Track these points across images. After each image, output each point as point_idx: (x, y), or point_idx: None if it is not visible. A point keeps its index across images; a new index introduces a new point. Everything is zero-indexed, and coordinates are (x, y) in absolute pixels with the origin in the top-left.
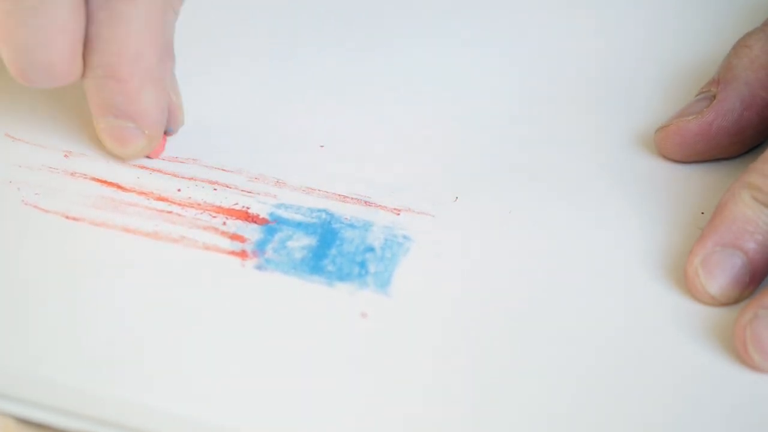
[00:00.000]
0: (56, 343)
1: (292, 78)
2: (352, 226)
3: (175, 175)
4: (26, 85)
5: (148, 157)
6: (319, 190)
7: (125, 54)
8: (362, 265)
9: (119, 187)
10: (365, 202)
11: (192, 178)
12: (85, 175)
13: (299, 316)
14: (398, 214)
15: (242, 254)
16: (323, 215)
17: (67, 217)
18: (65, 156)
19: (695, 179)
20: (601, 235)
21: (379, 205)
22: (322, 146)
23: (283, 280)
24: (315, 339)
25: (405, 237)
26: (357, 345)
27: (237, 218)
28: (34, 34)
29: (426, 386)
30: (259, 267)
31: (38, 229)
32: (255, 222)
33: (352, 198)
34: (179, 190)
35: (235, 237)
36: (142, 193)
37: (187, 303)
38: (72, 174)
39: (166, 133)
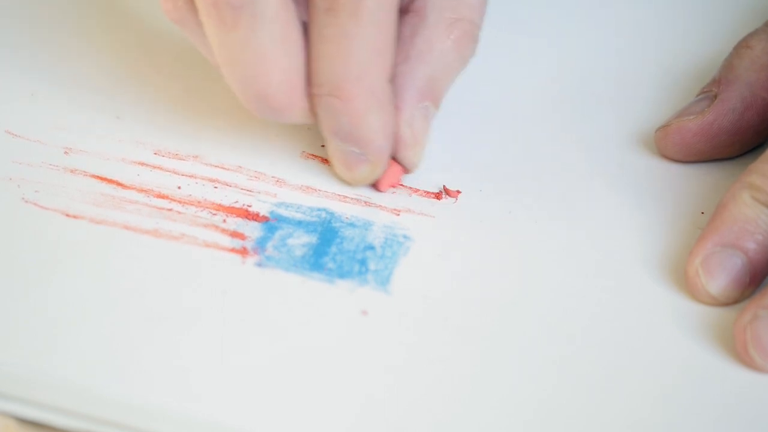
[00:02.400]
0: (56, 342)
1: None
2: (352, 225)
3: (175, 173)
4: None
5: (376, 188)
6: (319, 190)
7: (348, 72)
8: (362, 262)
9: (119, 184)
10: (365, 202)
11: (192, 176)
12: (85, 172)
13: (300, 313)
14: (398, 215)
15: (243, 251)
16: (323, 214)
17: (67, 215)
18: (65, 153)
19: (695, 179)
20: (601, 235)
21: (379, 205)
22: (322, 146)
23: (283, 277)
24: (315, 336)
25: (405, 237)
26: (357, 342)
27: (237, 216)
28: (245, 69)
29: (426, 384)
30: (259, 264)
31: (38, 227)
32: (255, 220)
33: (352, 198)
34: (179, 187)
35: (235, 234)
36: (142, 190)
37: (187, 300)
38: (72, 171)
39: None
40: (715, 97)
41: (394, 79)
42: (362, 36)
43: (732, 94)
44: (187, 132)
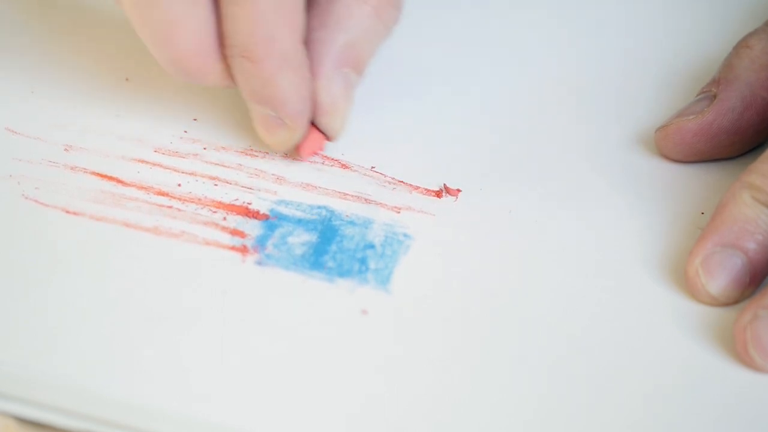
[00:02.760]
0: (56, 341)
1: None
2: (352, 223)
3: (175, 170)
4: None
5: (299, 155)
6: (319, 187)
7: (256, 34)
8: (363, 261)
9: (119, 181)
10: (365, 199)
11: (192, 173)
12: (85, 169)
13: (299, 312)
14: (398, 213)
15: (243, 250)
16: (323, 212)
17: (67, 212)
18: (65, 150)
19: (695, 179)
20: (601, 235)
21: (380, 203)
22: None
23: (283, 275)
24: (315, 335)
25: (405, 235)
26: (357, 341)
27: (237, 214)
28: (155, 32)
29: (426, 383)
30: (259, 262)
31: (38, 224)
32: (255, 218)
33: (352, 195)
34: (180, 185)
35: (235, 232)
36: (142, 187)
37: (187, 299)
38: (72, 168)
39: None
40: (715, 96)
41: (311, 46)
42: None
43: (732, 93)
44: (188, 129)
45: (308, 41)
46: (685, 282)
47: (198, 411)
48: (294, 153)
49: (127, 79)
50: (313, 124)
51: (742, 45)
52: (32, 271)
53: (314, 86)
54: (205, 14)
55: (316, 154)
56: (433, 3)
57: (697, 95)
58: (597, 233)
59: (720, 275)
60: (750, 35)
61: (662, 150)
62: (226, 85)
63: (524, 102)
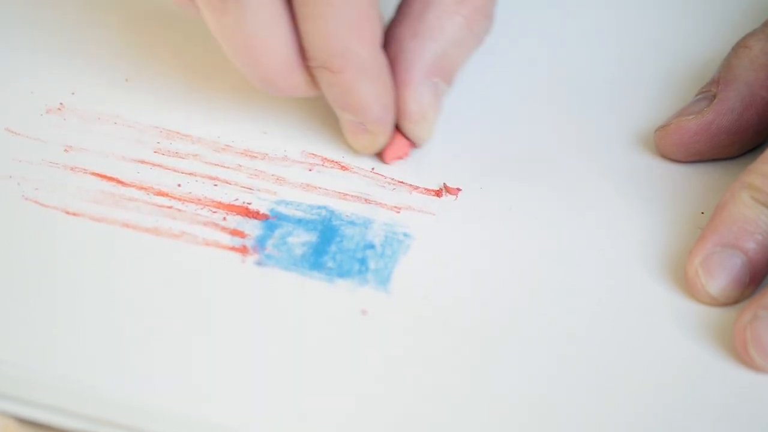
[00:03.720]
0: (56, 342)
1: None
2: (352, 223)
3: (175, 171)
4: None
5: (383, 159)
6: (318, 188)
7: (332, 47)
8: (362, 261)
9: (119, 182)
10: (365, 199)
11: (192, 174)
12: (85, 169)
13: (299, 312)
14: (398, 212)
15: (242, 250)
16: (323, 212)
17: (66, 212)
18: (65, 150)
19: (695, 179)
20: (600, 235)
21: (379, 203)
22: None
23: (283, 276)
24: (315, 335)
25: (405, 235)
26: (357, 342)
27: (237, 214)
28: (243, 55)
29: (426, 383)
30: (259, 263)
31: (38, 225)
32: (255, 218)
33: (352, 196)
34: (179, 185)
35: (235, 233)
36: (142, 188)
37: (187, 299)
38: (72, 169)
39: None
40: (714, 97)
41: (402, 56)
42: (333, 13)
43: (731, 93)
44: (189, 130)
45: (399, 51)
46: (684, 282)
47: (198, 411)
48: (379, 156)
49: (126, 80)
50: (400, 129)
51: (741, 45)
52: (32, 272)
53: (403, 95)
54: (285, 33)
55: (401, 158)
56: None
57: (697, 95)
58: (597, 233)
59: (720, 275)
60: (749, 35)
61: (662, 150)
62: (314, 94)
63: (524, 101)
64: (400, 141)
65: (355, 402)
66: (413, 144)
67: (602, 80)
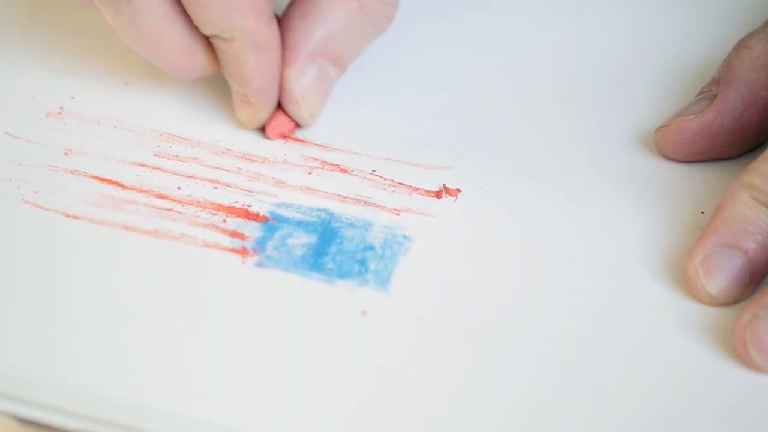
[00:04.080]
0: (56, 343)
1: None
2: (352, 225)
3: (175, 173)
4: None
5: (265, 135)
6: (318, 191)
7: (218, 26)
8: (362, 263)
9: (119, 184)
10: (365, 202)
11: (192, 177)
12: (84, 172)
13: (299, 313)
14: (398, 215)
15: (242, 251)
16: (323, 214)
17: (66, 215)
18: (65, 154)
19: (695, 179)
20: (600, 235)
21: (379, 205)
22: (323, 145)
23: (283, 277)
24: (315, 336)
25: (405, 237)
26: (357, 343)
27: (237, 216)
28: (142, 47)
29: (425, 384)
30: (259, 264)
31: (38, 228)
32: (255, 220)
33: (351, 198)
34: (179, 188)
35: (235, 234)
36: (142, 190)
37: (187, 301)
38: (72, 172)
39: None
40: (715, 96)
41: (288, 35)
42: None
43: (732, 93)
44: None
45: (287, 30)
46: (684, 282)
47: (198, 412)
48: (263, 132)
49: (126, 83)
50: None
51: (741, 45)
52: (32, 275)
53: (284, 73)
54: (178, 21)
55: (285, 137)
56: (433, 4)
57: (697, 95)
58: (597, 233)
59: (720, 275)
60: (750, 35)
61: (662, 150)
62: (218, 71)
63: (524, 102)
64: (284, 118)
65: (355, 402)
66: (298, 124)
67: (602, 80)
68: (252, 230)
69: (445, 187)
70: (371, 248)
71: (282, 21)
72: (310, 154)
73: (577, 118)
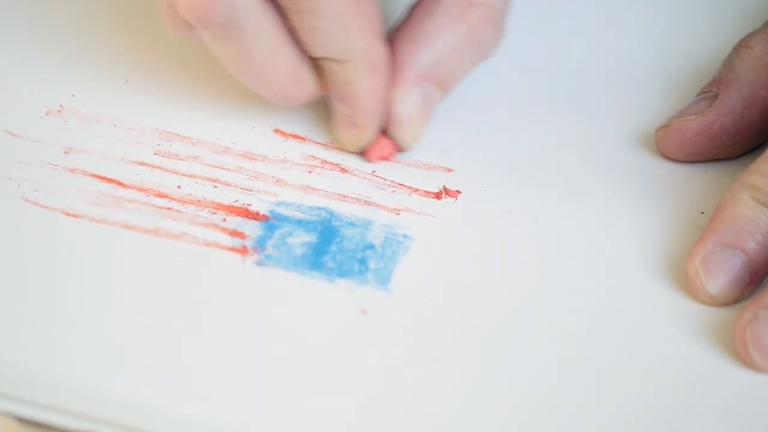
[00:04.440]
0: (56, 342)
1: None
2: (352, 224)
3: (175, 172)
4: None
5: (367, 158)
6: (318, 190)
7: (330, 48)
8: (362, 262)
9: (119, 183)
10: (365, 201)
11: (192, 176)
12: (85, 171)
13: (299, 312)
14: (398, 214)
15: (242, 250)
16: (323, 213)
17: (67, 214)
18: (65, 152)
19: (695, 179)
20: (601, 235)
21: (379, 205)
22: (323, 144)
23: (283, 276)
24: (315, 335)
25: (405, 236)
26: (357, 342)
27: (237, 215)
28: (249, 75)
29: (425, 383)
30: (259, 263)
31: (38, 226)
32: (255, 219)
33: (351, 197)
34: (179, 186)
35: (235, 233)
36: (142, 189)
37: (187, 300)
38: (72, 170)
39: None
40: (716, 97)
41: (396, 58)
42: (326, 12)
43: (732, 94)
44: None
45: (395, 52)
46: (685, 282)
47: (198, 412)
48: (365, 155)
49: (126, 82)
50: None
51: (742, 45)
52: (32, 273)
53: (391, 96)
54: (288, 48)
55: (387, 159)
56: None
57: (698, 95)
58: (597, 233)
59: (720, 275)
60: (750, 36)
61: (662, 150)
62: (325, 94)
63: (524, 102)
64: (385, 141)
65: (355, 402)
66: (399, 148)
67: (602, 80)
68: (252, 229)
69: (445, 189)
70: (371, 247)
71: (391, 41)
72: (311, 152)
73: (577, 118)
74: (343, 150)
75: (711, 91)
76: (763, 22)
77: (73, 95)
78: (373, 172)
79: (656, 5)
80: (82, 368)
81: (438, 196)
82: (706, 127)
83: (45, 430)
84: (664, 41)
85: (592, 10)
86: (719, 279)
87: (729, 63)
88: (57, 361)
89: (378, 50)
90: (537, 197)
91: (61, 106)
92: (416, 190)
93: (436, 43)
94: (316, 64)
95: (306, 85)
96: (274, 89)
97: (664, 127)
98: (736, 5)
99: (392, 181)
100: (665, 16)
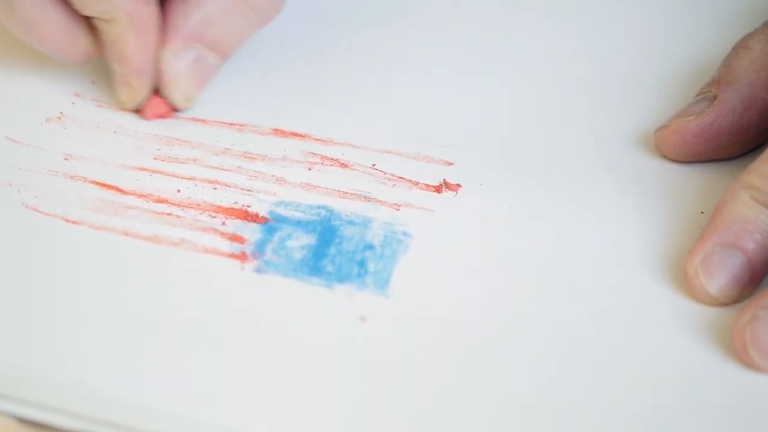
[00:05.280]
0: (56, 345)
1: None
2: (351, 222)
3: (174, 176)
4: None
5: (142, 115)
6: (318, 186)
7: (98, 1)
8: (361, 264)
9: (119, 189)
10: (365, 197)
11: (192, 178)
12: (84, 177)
13: (298, 320)
14: (398, 209)
15: (242, 257)
16: (323, 212)
17: (67, 221)
18: (65, 159)
19: (695, 179)
20: (601, 235)
21: (379, 200)
22: (323, 140)
23: (282, 283)
24: (314, 343)
25: (405, 233)
26: (356, 347)
27: (236, 218)
28: (27, 36)
29: (425, 389)
30: (258, 270)
31: (38, 232)
32: (254, 221)
33: (351, 193)
34: (179, 190)
35: (234, 238)
36: (141, 195)
37: (187, 307)
38: (72, 177)
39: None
40: (715, 97)
41: (167, 18)
42: None
43: (731, 94)
44: (187, 135)
45: (166, 13)
46: (685, 282)
47: (198, 416)
48: (141, 113)
49: None
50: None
51: (741, 46)
52: (32, 279)
53: (159, 56)
54: (55, 6)
55: (163, 118)
56: (434, 3)
57: (697, 96)
58: (597, 233)
59: (719, 275)
60: (749, 36)
61: (662, 150)
62: (102, 54)
63: (524, 101)
64: (159, 100)
65: (355, 408)
66: (174, 107)
67: (602, 80)
68: (251, 233)
69: (445, 182)
70: (371, 247)
71: (163, 4)
72: (310, 149)
73: (577, 117)
74: (345, 150)
75: (710, 92)
76: (762, 22)
77: (73, 102)
78: (373, 165)
79: (656, 5)
80: (82, 370)
81: (438, 189)
82: (706, 128)
83: (45, 430)
84: (663, 42)
85: (592, 9)
86: (719, 279)
87: (728, 63)
88: (57, 363)
89: (143, 10)
90: (537, 196)
91: (61, 112)
92: (416, 183)
93: (206, 4)
94: (91, 23)
95: (80, 44)
96: (50, 46)
97: (664, 128)
98: (736, 5)
99: (392, 175)
100: (665, 16)
